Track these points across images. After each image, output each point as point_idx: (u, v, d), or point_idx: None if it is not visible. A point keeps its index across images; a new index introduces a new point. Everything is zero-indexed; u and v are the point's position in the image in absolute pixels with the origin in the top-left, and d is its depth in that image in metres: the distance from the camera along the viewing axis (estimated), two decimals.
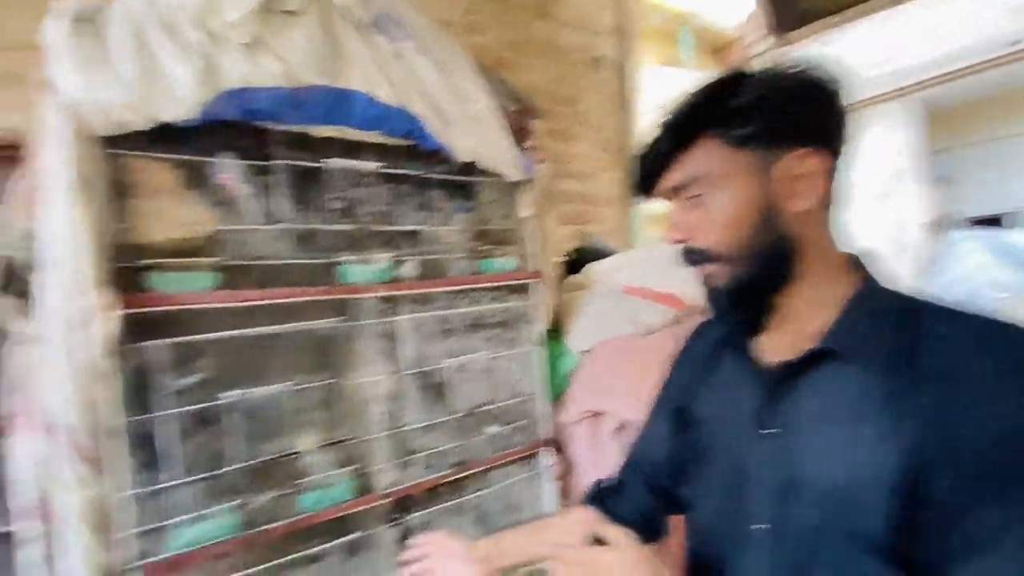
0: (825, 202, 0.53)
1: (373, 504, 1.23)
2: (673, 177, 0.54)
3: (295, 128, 1.11)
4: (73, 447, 0.91)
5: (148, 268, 0.97)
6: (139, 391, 0.98)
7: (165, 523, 0.99)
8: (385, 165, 1.22)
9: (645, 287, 1.52)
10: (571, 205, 2.42)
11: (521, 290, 1.48)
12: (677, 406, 0.69)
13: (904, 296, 0.53)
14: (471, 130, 1.28)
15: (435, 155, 1.30)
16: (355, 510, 1.20)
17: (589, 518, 0.55)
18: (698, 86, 0.53)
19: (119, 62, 0.88)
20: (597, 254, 1.92)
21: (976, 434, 0.40)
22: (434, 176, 1.32)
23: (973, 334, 0.45)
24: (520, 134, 1.44)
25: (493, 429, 1.41)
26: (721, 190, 0.51)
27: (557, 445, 1.52)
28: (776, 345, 0.56)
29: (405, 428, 1.28)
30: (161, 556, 0.98)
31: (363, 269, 1.20)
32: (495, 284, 1.43)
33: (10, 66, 1.26)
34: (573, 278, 1.83)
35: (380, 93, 1.14)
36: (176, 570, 1.01)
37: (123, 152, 0.95)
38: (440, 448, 1.34)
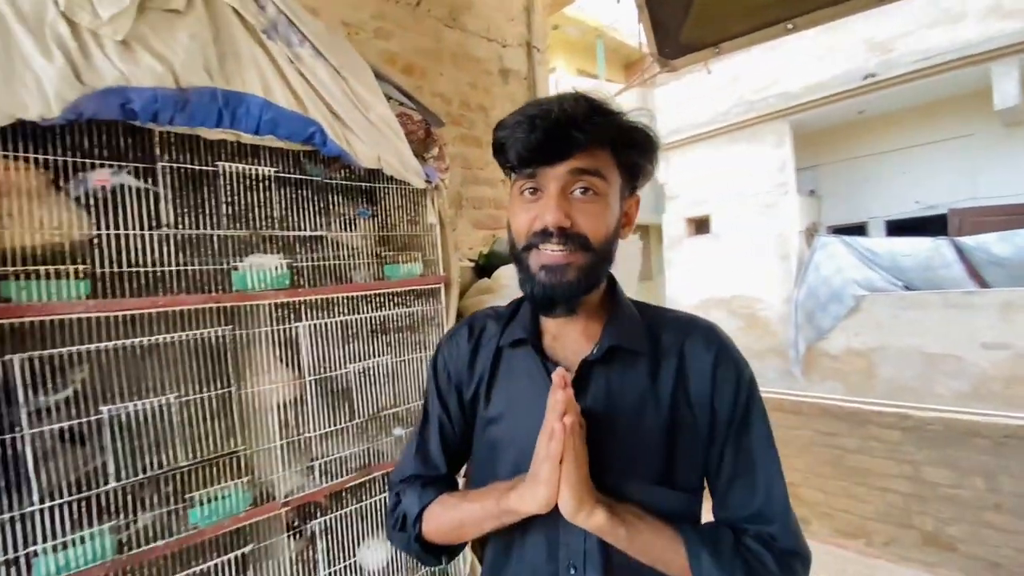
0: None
1: (271, 513, 1.21)
2: (585, 161, 0.59)
3: (182, 130, 1.06)
4: None
5: (4, 276, 0.90)
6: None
7: (27, 551, 0.92)
8: (280, 170, 1.20)
9: None
10: (484, 210, 2.48)
11: (427, 295, 1.52)
12: (460, 399, 0.75)
13: (637, 302, 0.72)
14: (372, 137, 1.30)
15: (336, 160, 1.31)
16: (251, 521, 1.17)
17: None
18: (614, 109, 0.61)
19: None
20: (506, 258, 2.00)
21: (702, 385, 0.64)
22: (335, 181, 1.32)
23: (685, 322, 0.69)
24: (424, 143, 1.48)
25: (399, 431, 1.44)
26: (611, 195, 0.62)
27: None
28: (564, 344, 0.69)
29: (306, 435, 1.27)
30: None
31: (258, 275, 1.17)
32: (401, 289, 1.45)
33: None
34: (482, 282, 1.89)
35: (276, 97, 1.13)
36: None
37: None
38: (344, 453, 1.34)
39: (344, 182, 1.34)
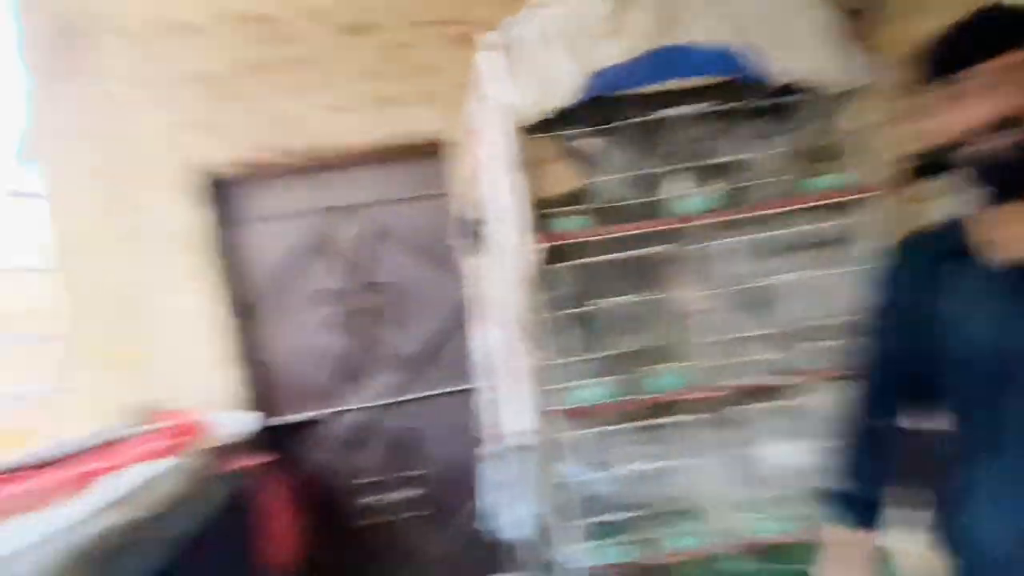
0: None
1: (705, 395, 1.50)
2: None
3: (635, 91, 1.34)
4: (522, 332, 1.42)
5: (549, 215, 1.40)
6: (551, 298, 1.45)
7: (567, 385, 1.47)
8: (714, 103, 1.38)
9: None
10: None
11: (851, 206, 1.45)
12: (913, 318, 0.75)
13: None
14: (790, 51, 1.30)
15: (753, 85, 1.37)
16: (689, 396, 1.49)
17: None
18: None
19: (531, 73, 1.27)
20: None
21: None
22: (755, 104, 1.40)
23: None
24: (860, 36, 1.37)
25: (814, 343, 1.49)
26: None
27: None
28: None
29: (732, 337, 1.50)
30: (565, 407, 1.47)
31: (692, 202, 1.41)
32: (820, 203, 1.44)
33: (427, 88, 1.85)
34: (923, 187, 1.63)
35: (705, 38, 1.27)
36: (572, 417, 1.49)
37: (533, 135, 1.36)
38: (763, 357, 1.50)
39: (763, 102, 1.41)
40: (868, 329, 0.85)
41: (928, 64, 0.70)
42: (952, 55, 0.66)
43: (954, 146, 0.68)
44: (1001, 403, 0.69)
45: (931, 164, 1.64)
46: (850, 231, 1.46)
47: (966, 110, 0.66)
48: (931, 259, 0.77)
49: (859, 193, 1.43)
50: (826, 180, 1.42)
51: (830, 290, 1.47)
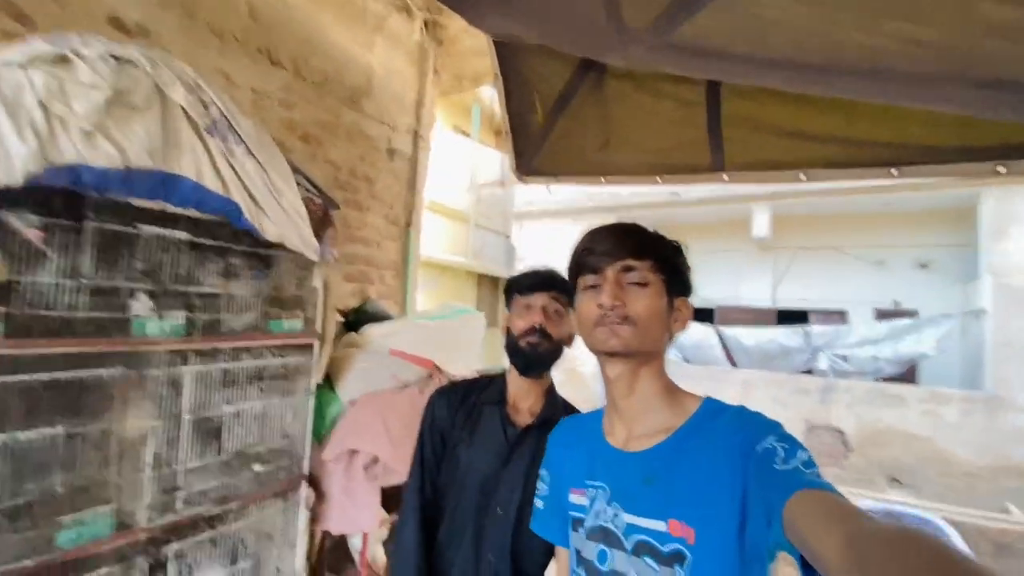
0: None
1: (131, 539, 1.23)
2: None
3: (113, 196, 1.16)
4: None
5: None
6: None
7: None
8: (193, 235, 1.38)
9: (407, 351, 1.77)
10: (356, 266, 2.72)
11: (303, 348, 1.65)
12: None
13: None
14: (280, 219, 1.48)
15: (246, 232, 1.45)
16: (113, 545, 1.19)
17: None
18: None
19: None
20: (375, 316, 2.11)
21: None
22: (238, 247, 1.48)
23: None
24: (322, 222, 1.67)
25: (258, 467, 1.53)
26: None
27: (312, 479, 1.66)
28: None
29: (176, 468, 1.34)
30: None
31: (157, 324, 1.32)
32: (281, 342, 1.58)
33: None
34: (350, 336, 1.99)
35: (206, 181, 1.32)
36: None
37: None
38: (206, 487, 1.40)
39: (246, 248, 1.51)
40: None
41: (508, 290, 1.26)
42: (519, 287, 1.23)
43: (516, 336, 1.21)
44: None
45: (356, 320, 2.11)
46: (298, 368, 1.64)
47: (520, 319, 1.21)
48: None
49: (310, 339, 1.66)
50: (287, 324, 1.59)
51: (273, 418, 1.57)
